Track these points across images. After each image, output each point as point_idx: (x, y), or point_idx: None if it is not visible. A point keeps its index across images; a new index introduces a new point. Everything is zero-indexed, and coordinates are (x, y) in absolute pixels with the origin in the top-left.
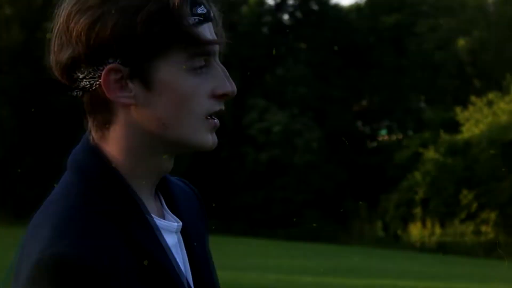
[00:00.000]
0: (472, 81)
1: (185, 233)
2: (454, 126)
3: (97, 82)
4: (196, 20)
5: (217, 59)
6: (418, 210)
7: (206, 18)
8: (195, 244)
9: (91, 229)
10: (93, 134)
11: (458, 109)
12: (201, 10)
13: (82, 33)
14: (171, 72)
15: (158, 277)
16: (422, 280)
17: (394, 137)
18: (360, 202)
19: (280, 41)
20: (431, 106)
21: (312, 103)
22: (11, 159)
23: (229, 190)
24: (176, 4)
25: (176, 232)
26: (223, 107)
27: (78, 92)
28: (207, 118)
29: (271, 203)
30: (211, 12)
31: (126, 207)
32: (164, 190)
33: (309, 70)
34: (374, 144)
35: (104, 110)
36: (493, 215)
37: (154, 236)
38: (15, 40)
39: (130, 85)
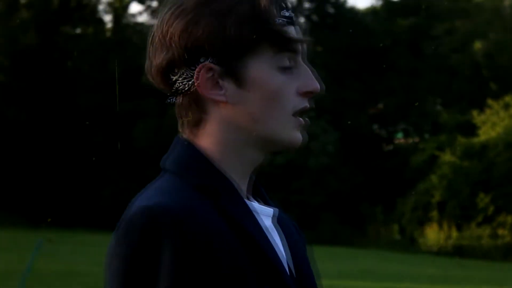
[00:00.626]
0: (488, 84)
1: (282, 227)
2: (470, 129)
3: (191, 82)
4: (283, 21)
5: (303, 59)
6: (434, 213)
7: (291, 22)
8: (291, 238)
9: (185, 195)
10: (186, 134)
11: (474, 112)
12: (287, 13)
13: (176, 35)
14: (260, 69)
15: (253, 251)
16: (438, 283)
17: (410, 140)
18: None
19: None
20: (447, 109)
21: (328, 106)
22: (27, 164)
23: None
24: (264, 5)
25: (270, 217)
26: (309, 105)
27: (171, 99)
28: (294, 116)
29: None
30: (294, 17)
31: (220, 184)
32: (259, 195)
33: (325, 73)
34: (391, 147)
35: (197, 109)
36: (509, 219)
37: (248, 212)
38: (31, 43)
39: (222, 83)
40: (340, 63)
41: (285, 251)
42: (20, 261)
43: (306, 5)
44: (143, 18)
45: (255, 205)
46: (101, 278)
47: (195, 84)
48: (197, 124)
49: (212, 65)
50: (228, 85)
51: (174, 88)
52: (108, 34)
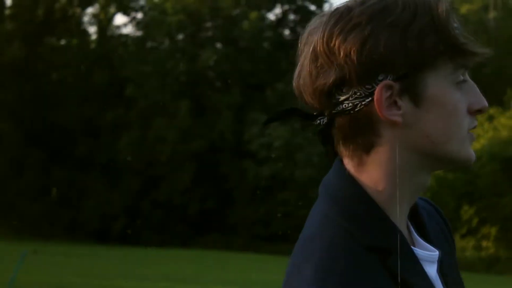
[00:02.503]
0: None
1: (439, 262)
2: None
3: (363, 102)
4: (458, 32)
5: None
6: None
7: (460, 33)
8: (449, 273)
9: (355, 268)
10: (349, 161)
11: None
12: (456, 24)
13: (352, 52)
14: (439, 86)
15: None
16: None
17: None
18: None
19: (281, 56)
20: None
21: None
22: (12, 174)
23: (230, 205)
24: (445, 15)
25: (435, 263)
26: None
27: (322, 120)
28: (468, 133)
29: (272, 218)
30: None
31: (390, 240)
32: (412, 214)
33: None
34: None
35: (367, 132)
36: (493, 230)
37: (419, 270)
38: (16, 55)
39: (400, 102)
40: None
41: None
42: (4, 272)
43: (291, 17)
44: (127, 30)
45: (421, 253)
46: None
47: (374, 103)
48: (368, 149)
49: (392, 82)
50: (406, 104)
51: (338, 108)
52: (93, 45)
